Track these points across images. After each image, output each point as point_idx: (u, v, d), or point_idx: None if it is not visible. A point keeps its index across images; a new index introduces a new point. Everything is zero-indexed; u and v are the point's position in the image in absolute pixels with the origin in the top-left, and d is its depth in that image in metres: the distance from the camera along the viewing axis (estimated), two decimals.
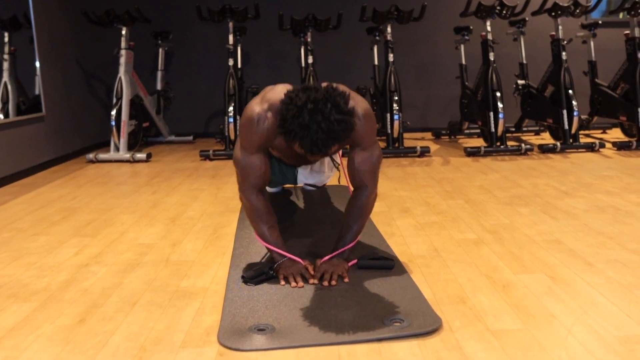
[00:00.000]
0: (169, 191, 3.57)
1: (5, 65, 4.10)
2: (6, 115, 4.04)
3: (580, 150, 4.75)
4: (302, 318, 1.68)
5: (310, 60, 5.00)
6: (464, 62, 5.67)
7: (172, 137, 5.99)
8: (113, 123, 4.80)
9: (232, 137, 4.83)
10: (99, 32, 5.87)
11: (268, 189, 3.08)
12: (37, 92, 4.49)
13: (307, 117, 1.66)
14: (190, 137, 5.98)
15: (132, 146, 5.11)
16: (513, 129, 5.78)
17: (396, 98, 4.76)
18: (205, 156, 4.78)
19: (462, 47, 5.71)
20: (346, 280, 1.95)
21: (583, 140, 5.25)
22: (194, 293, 1.93)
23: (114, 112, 4.81)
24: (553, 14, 4.90)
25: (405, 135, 6.12)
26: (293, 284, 1.92)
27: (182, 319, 1.74)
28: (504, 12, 4.89)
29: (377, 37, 5.47)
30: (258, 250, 2.30)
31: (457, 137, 5.91)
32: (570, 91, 4.79)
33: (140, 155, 4.75)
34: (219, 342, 1.57)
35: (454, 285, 1.93)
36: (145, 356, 1.51)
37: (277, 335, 1.58)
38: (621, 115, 5.01)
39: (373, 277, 1.99)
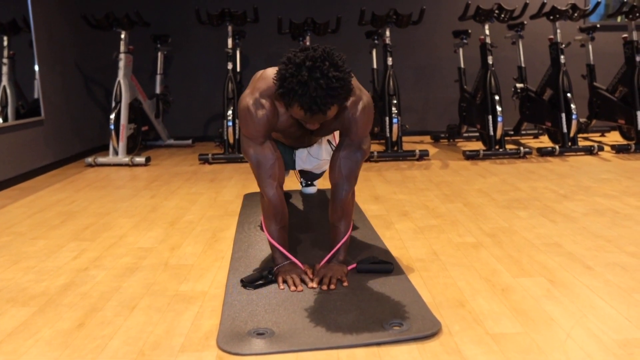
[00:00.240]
0: (167, 195, 3.57)
1: (5, 69, 4.10)
2: (5, 119, 4.04)
3: (579, 153, 4.75)
4: (302, 322, 1.68)
5: None
6: (462, 65, 5.68)
7: (171, 141, 5.99)
8: (112, 127, 4.80)
9: (231, 140, 4.83)
10: (98, 36, 5.87)
11: None
12: (36, 96, 4.49)
13: (305, 75, 1.67)
14: (189, 141, 5.98)
15: (131, 150, 5.11)
16: (512, 133, 5.78)
17: (395, 101, 4.77)
18: (204, 160, 4.78)
19: (461, 50, 5.72)
20: (345, 284, 1.95)
21: (582, 143, 5.26)
22: (193, 297, 1.93)
23: (113, 116, 4.81)
24: (551, 17, 4.91)
25: (404, 138, 6.13)
26: (292, 287, 1.92)
27: (181, 323, 1.73)
28: (503, 15, 4.90)
29: (376, 41, 5.48)
30: (257, 254, 2.30)
31: (456, 140, 5.92)
32: (568, 94, 4.80)
33: (139, 159, 4.75)
34: (218, 347, 1.57)
35: (453, 289, 1.93)
36: None
37: (277, 340, 1.58)
38: (620, 119, 5.02)
39: (372, 281, 1.99)
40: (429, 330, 1.60)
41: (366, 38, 5.63)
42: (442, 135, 5.93)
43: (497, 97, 4.75)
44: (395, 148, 4.79)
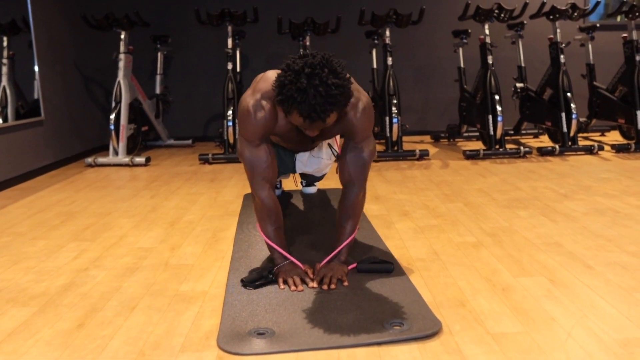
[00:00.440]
0: (168, 195, 3.57)
1: (4, 69, 4.10)
2: (5, 120, 4.04)
3: (579, 152, 4.75)
4: (302, 322, 1.68)
5: None
6: (462, 65, 5.68)
7: (171, 141, 5.99)
8: (112, 127, 4.80)
9: (231, 140, 4.83)
10: (98, 36, 5.87)
11: None
12: (36, 96, 4.49)
13: (304, 81, 1.67)
14: (189, 141, 5.97)
15: (131, 150, 5.11)
16: (512, 132, 5.78)
17: (395, 101, 4.77)
18: (204, 160, 4.78)
19: (461, 50, 5.72)
20: (346, 283, 1.95)
21: (582, 143, 5.25)
22: (193, 297, 1.93)
23: (113, 116, 4.81)
24: (551, 17, 4.91)
25: (404, 138, 6.13)
26: (293, 287, 1.92)
27: (181, 323, 1.73)
28: (502, 15, 4.90)
29: (376, 41, 5.48)
30: (257, 254, 2.30)
31: (456, 140, 5.92)
32: (568, 94, 4.80)
33: (139, 159, 4.75)
34: (218, 346, 1.57)
35: (453, 289, 1.93)
36: None
37: (277, 339, 1.58)
38: (620, 118, 5.02)
39: (372, 280, 1.99)
40: (430, 330, 1.60)
41: (366, 38, 5.63)
42: (442, 135, 5.93)
43: (497, 97, 4.75)
44: (396, 148, 4.79)
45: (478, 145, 5.51)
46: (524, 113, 5.42)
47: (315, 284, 1.94)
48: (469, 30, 5.52)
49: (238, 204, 3.27)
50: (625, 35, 5.04)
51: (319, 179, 3.27)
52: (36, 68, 4.50)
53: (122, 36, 4.96)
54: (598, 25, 5.30)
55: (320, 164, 2.91)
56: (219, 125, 6.24)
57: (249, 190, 3.63)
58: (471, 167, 4.31)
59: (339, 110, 1.74)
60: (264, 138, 1.98)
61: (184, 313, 1.80)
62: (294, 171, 2.93)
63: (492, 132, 4.74)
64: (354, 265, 2.08)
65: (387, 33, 4.94)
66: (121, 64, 4.92)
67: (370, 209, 3.07)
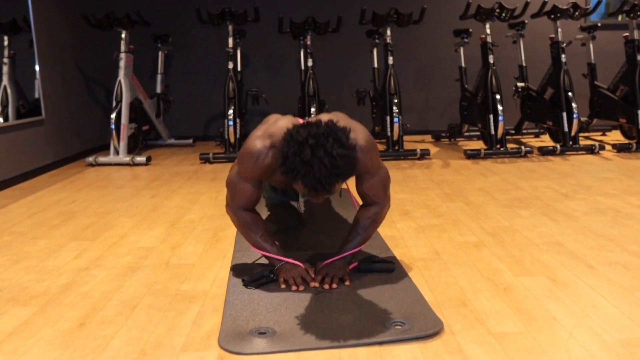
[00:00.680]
0: (168, 194, 3.57)
1: (5, 68, 4.10)
2: (6, 119, 4.04)
3: (580, 152, 4.75)
4: (303, 321, 1.68)
5: (309, 63, 5.01)
6: (463, 64, 5.68)
7: (172, 140, 5.99)
8: (113, 126, 4.80)
9: (232, 140, 4.83)
10: (98, 36, 5.87)
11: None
12: (36, 95, 4.49)
13: (308, 153, 1.61)
14: (190, 140, 5.97)
15: (131, 149, 5.11)
16: (513, 132, 5.78)
17: (396, 101, 4.77)
18: (205, 159, 4.78)
19: (462, 49, 5.71)
20: (347, 283, 1.95)
21: (583, 142, 5.25)
22: (194, 296, 1.93)
23: (113, 116, 4.81)
24: (552, 16, 4.91)
25: (405, 137, 6.13)
26: (294, 287, 1.92)
27: (182, 322, 1.73)
28: (504, 14, 4.89)
29: (377, 40, 5.48)
30: (258, 254, 2.30)
31: (457, 139, 5.91)
32: (569, 93, 4.79)
33: (140, 159, 4.74)
34: (219, 346, 1.57)
35: (454, 288, 1.93)
36: None
37: (278, 339, 1.58)
38: (621, 118, 5.01)
39: (374, 280, 1.99)
40: (431, 330, 1.59)
41: (367, 37, 5.63)
42: (443, 134, 5.93)
43: (498, 96, 4.75)
44: (397, 147, 4.79)
45: (479, 144, 5.51)
46: (525, 112, 5.41)
47: (316, 283, 1.94)
48: (470, 30, 5.52)
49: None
50: (626, 34, 5.04)
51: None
52: (37, 67, 4.50)
53: (123, 35, 4.95)
54: (599, 24, 5.30)
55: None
56: (219, 125, 6.24)
57: None
58: (472, 166, 4.31)
59: (344, 180, 1.70)
60: (256, 179, 1.97)
61: (185, 312, 1.80)
62: (296, 199, 2.92)
63: (493, 132, 4.74)
64: (355, 264, 2.07)
65: (388, 32, 4.93)
66: (122, 63, 4.92)
67: None
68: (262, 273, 1.98)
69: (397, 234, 2.59)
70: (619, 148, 4.73)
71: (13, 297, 1.97)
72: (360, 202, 2.42)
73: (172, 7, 6.10)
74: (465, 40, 5.51)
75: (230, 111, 4.83)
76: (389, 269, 2.06)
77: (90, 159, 4.78)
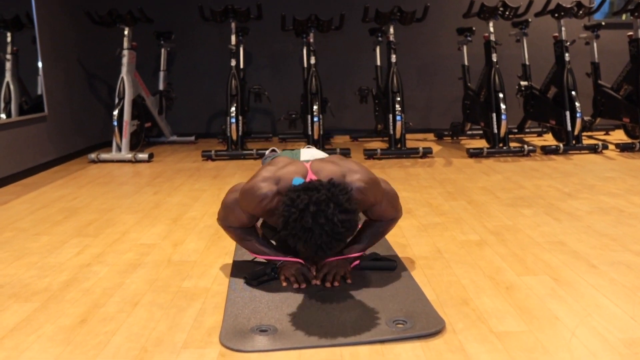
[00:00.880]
0: (170, 191, 3.57)
1: (8, 65, 4.10)
2: (8, 115, 4.04)
3: (583, 151, 4.74)
4: (305, 319, 1.67)
5: (312, 61, 5.00)
6: (466, 63, 5.66)
7: (174, 138, 5.99)
8: (115, 123, 4.80)
9: (235, 137, 4.83)
10: (101, 32, 5.87)
11: None
12: (39, 92, 4.49)
13: (309, 221, 1.61)
14: (192, 138, 5.97)
15: (134, 146, 5.11)
16: (515, 131, 5.76)
17: (398, 99, 4.76)
18: (207, 156, 4.78)
19: (465, 48, 5.70)
20: (349, 281, 1.95)
21: (586, 141, 5.23)
22: (196, 294, 1.93)
23: (116, 112, 4.81)
24: (556, 15, 4.89)
25: (408, 136, 6.12)
26: (295, 285, 1.91)
27: (183, 319, 1.73)
28: (507, 13, 4.88)
29: (380, 38, 5.47)
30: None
31: (460, 138, 5.90)
32: (573, 92, 4.78)
33: (142, 156, 4.74)
34: (220, 343, 1.56)
35: (457, 287, 1.93)
36: (147, 357, 1.51)
37: (279, 337, 1.57)
38: (624, 117, 5.00)
39: (375, 278, 1.98)
40: (433, 328, 1.59)
41: (370, 35, 5.62)
42: (446, 132, 5.91)
43: (501, 95, 4.73)
44: (399, 145, 4.78)
45: (482, 143, 5.50)
46: (528, 111, 5.40)
47: (318, 281, 1.93)
48: (474, 28, 5.51)
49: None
50: (630, 33, 5.02)
51: None
52: (40, 64, 4.50)
53: (126, 32, 4.95)
54: (603, 23, 5.28)
55: None
56: (222, 122, 6.24)
57: None
58: (475, 165, 4.30)
59: (345, 242, 1.71)
60: (254, 215, 1.98)
61: (186, 309, 1.80)
62: None
63: (496, 130, 4.73)
64: (357, 262, 2.07)
65: (391, 30, 4.92)
66: (124, 60, 4.92)
67: None
68: (263, 271, 1.98)
69: (399, 232, 2.58)
70: (622, 147, 4.72)
71: (15, 293, 1.97)
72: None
73: (175, 4, 6.09)
74: (469, 38, 5.50)
75: (233, 109, 4.83)
76: (390, 267, 2.05)
77: (93, 155, 4.78)
